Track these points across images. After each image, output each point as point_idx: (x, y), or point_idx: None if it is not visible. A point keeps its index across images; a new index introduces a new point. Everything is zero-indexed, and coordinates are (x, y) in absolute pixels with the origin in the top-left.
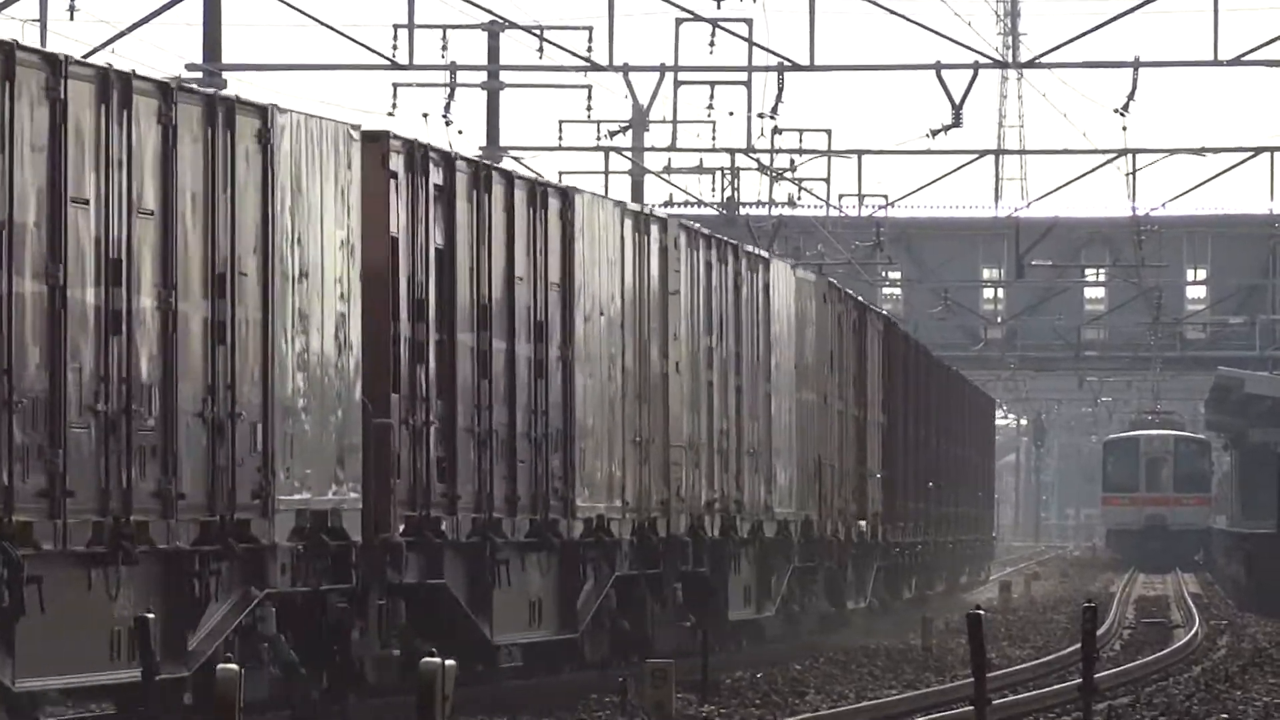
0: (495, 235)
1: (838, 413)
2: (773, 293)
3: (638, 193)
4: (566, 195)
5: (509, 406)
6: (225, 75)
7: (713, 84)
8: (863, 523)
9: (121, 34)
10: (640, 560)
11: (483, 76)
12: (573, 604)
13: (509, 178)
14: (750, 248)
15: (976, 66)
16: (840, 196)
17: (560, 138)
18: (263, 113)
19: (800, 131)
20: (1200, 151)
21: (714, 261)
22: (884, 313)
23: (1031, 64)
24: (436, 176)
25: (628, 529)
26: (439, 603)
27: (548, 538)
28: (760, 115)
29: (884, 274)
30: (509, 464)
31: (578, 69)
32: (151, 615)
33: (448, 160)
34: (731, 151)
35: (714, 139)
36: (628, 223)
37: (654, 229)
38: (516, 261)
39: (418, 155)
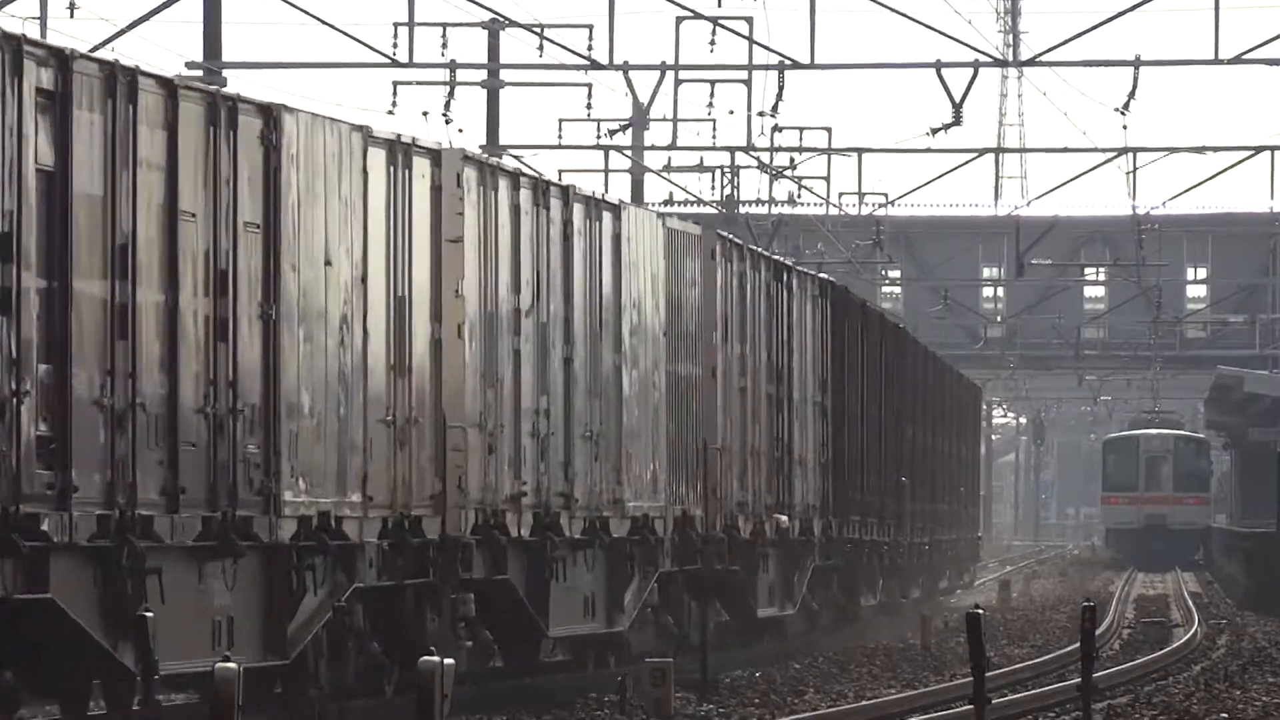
0: (146, 156)
1: (739, 389)
2: (627, 245)
3: (638, 191)
4: (270, 113)
5: (169, 375)
6: (225, 73)
7: (713, 82)
8: (782, 517)
9: (121, 31)
10: (393, 569)
11: (483, 75)
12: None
13: (170, 86)
14: (596, 192)
15: (977, 65)
16: (840, 195)
17: (560, 136)
18: None
19: (800, 130)
20: (1200, 150)
21: (528, 206)
22: (832, 280)
23: (1032, 62)
24: (41, 79)
25: (374, 529)
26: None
27: (230, 540)
28: (760, 114)
29: (884, 273)
30: (169, 448)
31: (578, 67)
32: (150, 615)
33: (58, 55)
34: (732, 150)
35: (714, 137)
36: (375, 152)
37: (420, 161)
38: (182, 194)
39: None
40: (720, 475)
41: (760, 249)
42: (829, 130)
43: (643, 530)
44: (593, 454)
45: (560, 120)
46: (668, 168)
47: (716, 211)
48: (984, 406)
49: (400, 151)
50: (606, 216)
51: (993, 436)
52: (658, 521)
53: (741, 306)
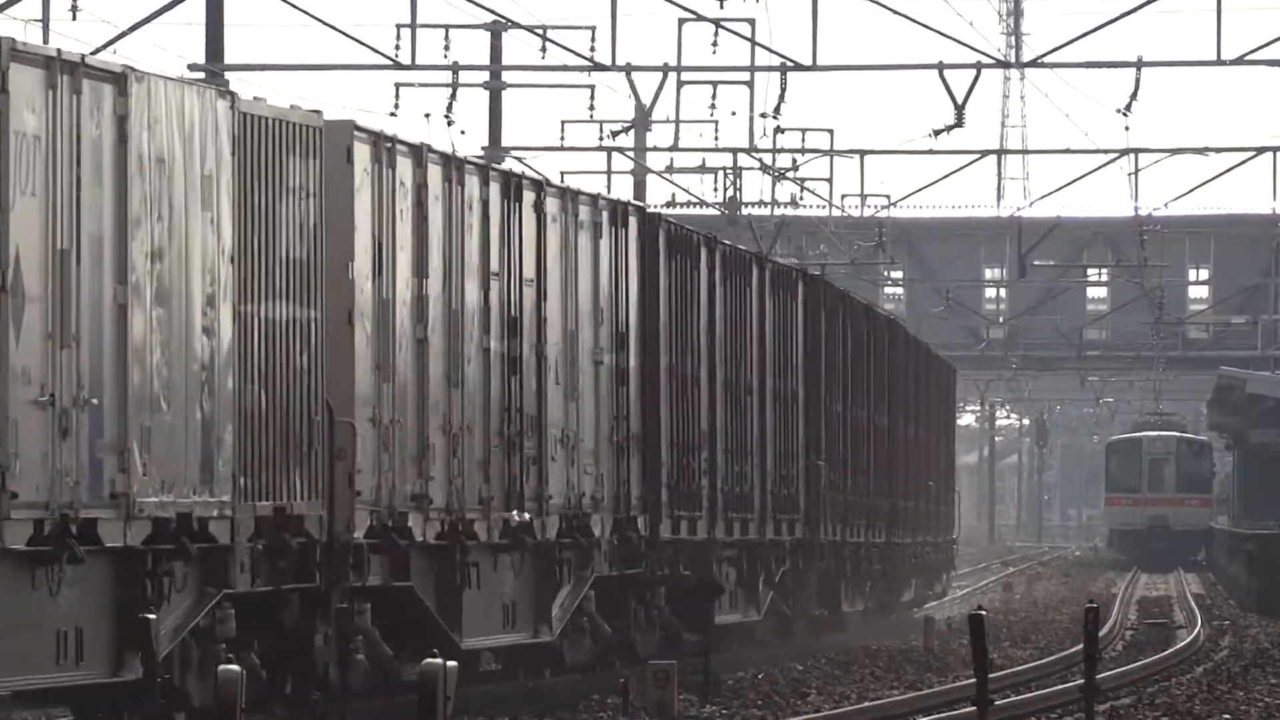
0: None
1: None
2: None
3: (640, 192)
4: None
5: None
6: (227, 75)
7: (715, 84)
8: (514, 514)
9: (124, 33)
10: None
11: (485, 76)
12: None
13: None
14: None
15: (979, 66)
16: (843, 196)
17: (563, 138)
18: None
19: (803, 131)
20: (1203, 151)
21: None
22: (640, 207)
23: (1034, 64)
24: None
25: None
26: None
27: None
28: (763, 115)
29: (886, 274)
30: None
31: (580, 69)
32: (153, 616)
33: None
34: (734, 151)
35: (716, 139)
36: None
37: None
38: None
39: None
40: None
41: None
42: (831, 132)
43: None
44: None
45: (563, 122)
46: (670, 169)
47: (719, 213)
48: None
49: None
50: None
51: (995, 438)
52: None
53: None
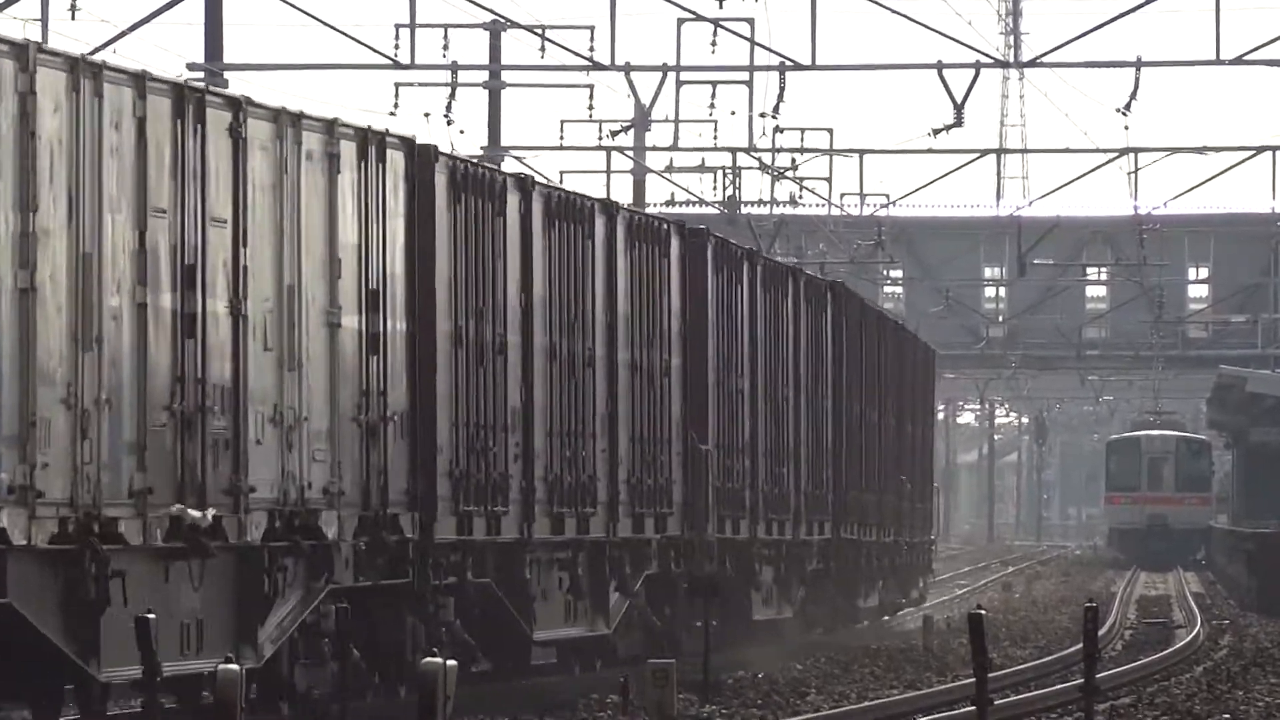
0: None
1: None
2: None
3: (639, 192)
4: None
5: None
6: (226, 75)
7: (714, 83)
8: (193, 511)
9: (124, 33)
10: None
11: (484, 76)
12: None
13: None
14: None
15: (978, 66)
16: (842, 195)
17: (562, 137)
18: None
19: (802, 131)
20: (1202, 150)
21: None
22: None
23: (1033, 63)
24: None
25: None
26: None
27: None
28: (762, 114)
29: (885, 273)
30: None
31: (579, 68)
32: (152, 616)
33: None
34: (733, 151)
35: (716, 138)
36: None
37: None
38: None
39: None
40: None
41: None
42: (830, 131)
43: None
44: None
45: (562, 121)
46: (669, 169)
47: (718, 212)
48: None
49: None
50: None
51: (995, 437)
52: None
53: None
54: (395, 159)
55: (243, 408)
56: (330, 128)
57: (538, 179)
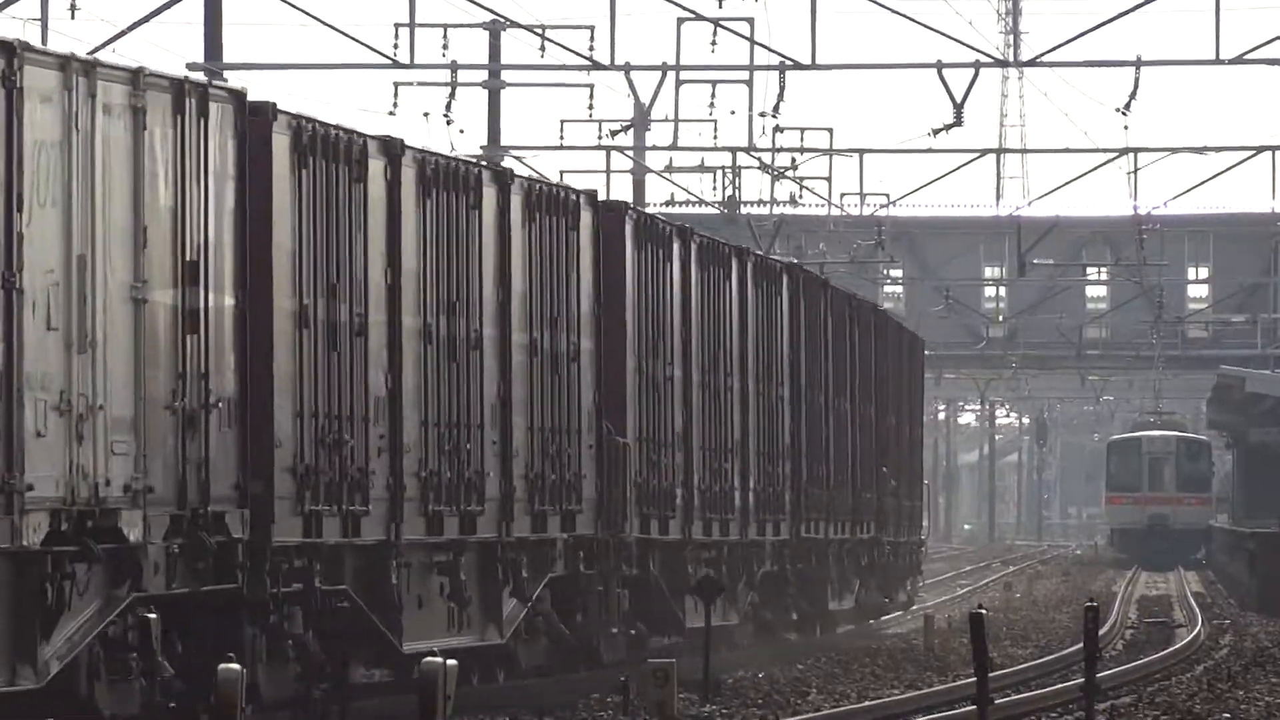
0: None
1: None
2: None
3: (639, 192)
4: None
5: None
6: (226, 74)
7: (714, 83)
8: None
9: (123, 32)
10: None
11: (484, 75)
12: None
13: None
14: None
15: (978, 65)
16: (842, 195)
17: (562, 137)
18: None
19: (802, 130)
20: (1202, 150)
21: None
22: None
23: (1033, 63)
24: None
25: None
26: None
27: None
28: (762, 114)
29: (886, 272)
30: None
31: (579, 68)
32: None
33: None
34: (733, 150)
35: (715, 138)
36: None
37: None
38: None
39: None
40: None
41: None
42: (830, 131)
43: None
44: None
45: (562, 121)
46: (669, 168)
47: (718, 212)
48: (987, 403)
49: None
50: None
51: (995, 437)
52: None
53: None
54: (222, 114)
55: (16, 394)
56: (135, 78)
57: (410, 143)
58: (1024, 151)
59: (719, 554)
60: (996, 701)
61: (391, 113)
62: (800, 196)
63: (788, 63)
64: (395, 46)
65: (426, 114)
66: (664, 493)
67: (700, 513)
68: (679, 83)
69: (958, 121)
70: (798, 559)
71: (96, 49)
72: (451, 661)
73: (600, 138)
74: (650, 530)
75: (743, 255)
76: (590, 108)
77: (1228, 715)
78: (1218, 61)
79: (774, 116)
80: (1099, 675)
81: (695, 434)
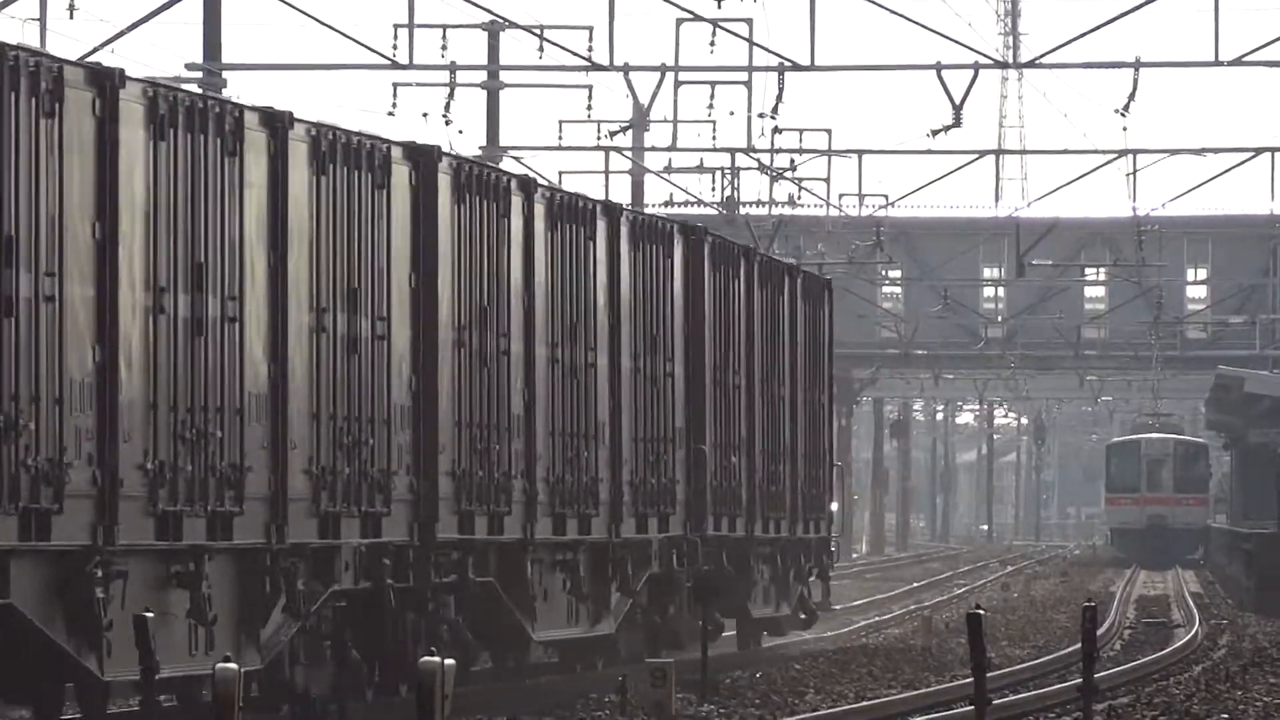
0: None
1: None
2: None
3: (638, 192)
4: None
5: None
6: (224, 75)
7: (713, 84)
8: None
9: (121, 33)
10: None
11: (483, 76)
12: None
13: None
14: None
15: (977, 67)
16: (841, 196)
17: (560, 137)
18: None
19: (800, 131)
20: (1201, 152)
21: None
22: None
23: (1032, 64)
24: None
25: None
26: None
27: None
28: (761, 115)
29: (884, 273)
30: None
31: (578, 69)
32: (150, 615)
33: None
34: (732, 151)
35: (714, 139)
36: None
37: None
38: None
39: None
40: None
41: None
42: (829, 132)
43: None
44: None
45: (560, 122)
46: (668, 169)
47: (717, 213)
48: (986, 403)
49: None
50: None
51: (994, 437)
52: None
53: None
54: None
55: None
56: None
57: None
58: (1023, 152)
59: (570, 556)
60: (994, 702)
61: (390, 113)
62: (799, 197)
63: (787, 63)
64: (394, 47)
65: (425, 114)
66: (499, 486)
67: (551, 507)
68: (678, 83)
69: (957, 123)
70: (690, 559)
71: (94, 49)
72: (450, 661)
73: (599, 138)
74: (471, 530)
75: (528, 187)
76: (589, 108)
77: (1226, 716)
78: (1217, 63)
79: (773, 117)
80: (1097, 675)
81: (540, 417)
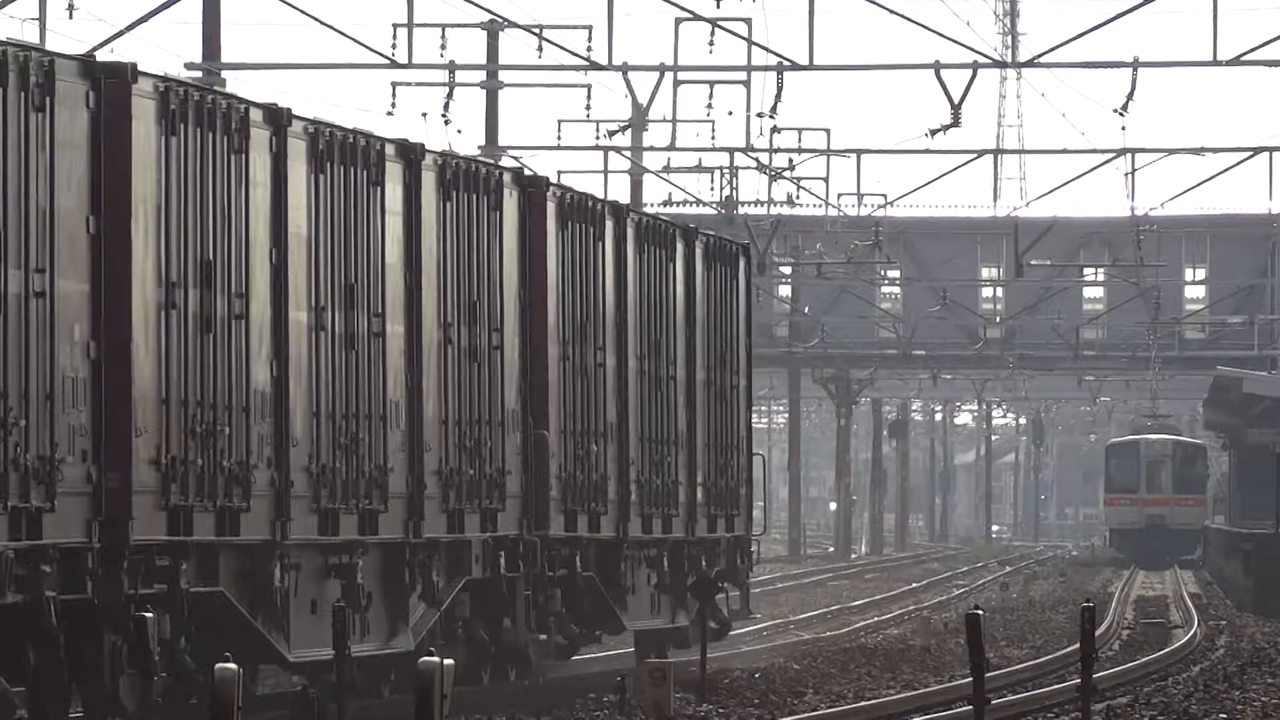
0: None
1: None
2: None
3: (637, 192)
4: None
5: None
6: (224, 74)
7: (712, 83)
8: None
9: (120, 33)
10: None
11: (482, 76)
12: None
13: None
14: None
15: (975, 66)
16: (839, 196)
17: (559, 137)
18: None
19: (799, 131)
20: (1199, 151)
21: None
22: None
23: (1030, 64)
24: None
25: None
26: None
27: None
28: (759, 114)
29: (883, 273)
30: None
31: (577, 68)
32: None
33: None
34: (731, 151)
35: (713, 138)
36: None
37: None
38: None
39: None
40: None
41: None
42: (828, 131)
43: None
44: None
45: (559, 121)
46: (667, 168)
47: (715, 212)
48: (984, 403)
49: None
50: None
51: (992, 438)
52: None
53: None
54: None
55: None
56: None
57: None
58: (1021, 152)
59: (344, 560)
60: (993, 702)
61: (390, 113)
62: (798, 197)
63: (785, 63)
64: (393, 47)
65: (424, 114)
66: (234, 476)
67: (317, 502)
68: (677, 83)
69: (955, 122)
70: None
71: (94, 49)
72: (448, 661)
73: (598, 138)
74: (186, 531)
75: (317, 135)
76: (588, 108)
77: (1224, 716)
78: (1215, 63)
79: (771, 117)
80: (1095, 676)
81: (297, 396)
